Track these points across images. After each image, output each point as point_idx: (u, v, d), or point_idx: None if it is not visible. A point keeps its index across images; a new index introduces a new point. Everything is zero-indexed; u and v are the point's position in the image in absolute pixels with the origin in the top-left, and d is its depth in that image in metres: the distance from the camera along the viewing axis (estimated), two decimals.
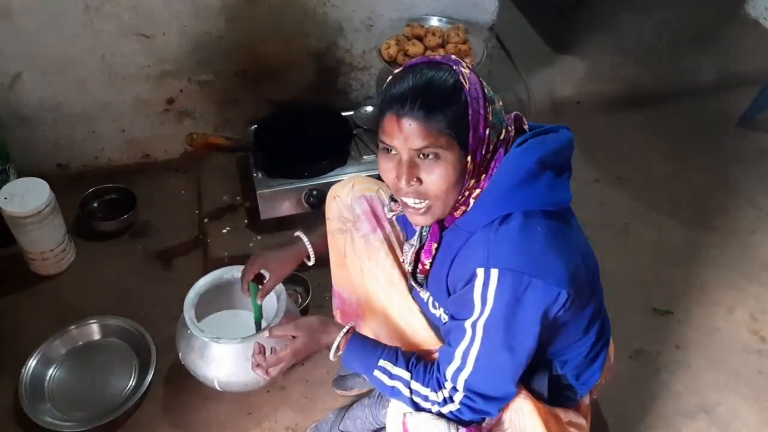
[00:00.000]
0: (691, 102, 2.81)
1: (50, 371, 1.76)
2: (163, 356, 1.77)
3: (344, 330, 1.24)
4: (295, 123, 2.11)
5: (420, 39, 2.01)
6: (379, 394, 1.60)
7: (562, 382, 1.26)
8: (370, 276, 1.38)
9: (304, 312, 1.89)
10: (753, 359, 1.89)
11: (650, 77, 2.87)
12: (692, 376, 1.84)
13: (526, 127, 1.15)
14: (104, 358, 1.80)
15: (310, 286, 1.95)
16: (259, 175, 1.97)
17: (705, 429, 1.73)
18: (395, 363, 1.18)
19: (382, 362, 1.18)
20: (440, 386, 1.13)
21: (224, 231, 2.04)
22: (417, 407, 1.16)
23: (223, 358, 1.58)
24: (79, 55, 1.99)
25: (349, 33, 2.17)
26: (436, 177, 1.04)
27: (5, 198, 1.83)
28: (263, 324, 1.60)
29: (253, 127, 2.15)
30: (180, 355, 1.64)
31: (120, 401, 1.69)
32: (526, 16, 3.12)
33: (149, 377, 1.72)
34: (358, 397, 1.70)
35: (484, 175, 1.08)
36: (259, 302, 1.51)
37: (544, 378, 1.21)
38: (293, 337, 1.28)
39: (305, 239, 1.45)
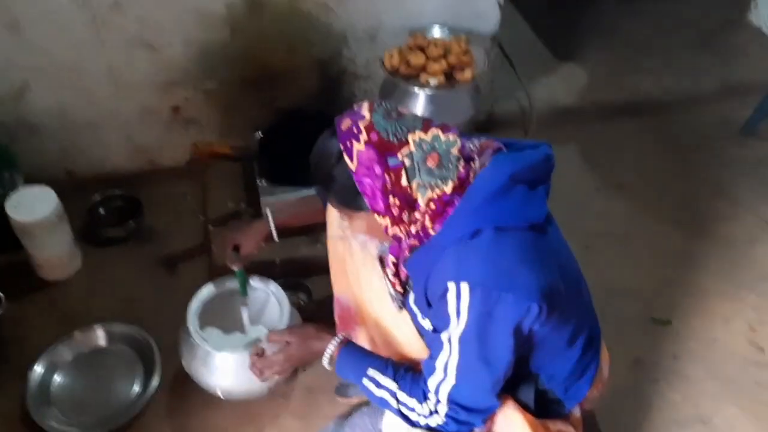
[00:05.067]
0: (693, 110, 2.82)
1: (56, 376, 1.79)
2: (168, 362, 1.79)
3: (338, 339, 1.29)
4: (299, 131, 2.12)
5: (422, 49, 2.03)
6: None
7: (549, 396, 1.27)
8: (366, 284, 1.41)
9: (306, 320, 1.91)
10: (750, 370, 1.90)
11: (652, 85, 2.88)
12: (690, 387, 1.86)
13: (501, 147, 1.16)
14: (109, 364, 1.83)
15: (312, 292, 1.97)
16: (264, 182, 2.00)
17: None
18: (384, 373, 1.21)
19: (371, 371, 1.22)
20: (425, 398, 1.16)
21: None
22: (406, 419, 1.19)
23: (226, 367, 1.61)
24: (86, 64, 2.02)
25: (353, 42, 2.19)
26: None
27: (13, 205, 1.86)
28: (245, 315, 1.67)
29: (257, 135, 2.18)
30: (183, 362, 1.66)
31: (124, 407, 1.72)
32: (529, 24, 3.13)
33: (154, 383, 1.75)
34: (359, 406, 1.72)
35: (457, 194, 1.09)
36: (239, 269, 1.59)
37: (530, 390, 1.23)
38: (288, 342, 1.34)
39: (269, 217, 1.54)
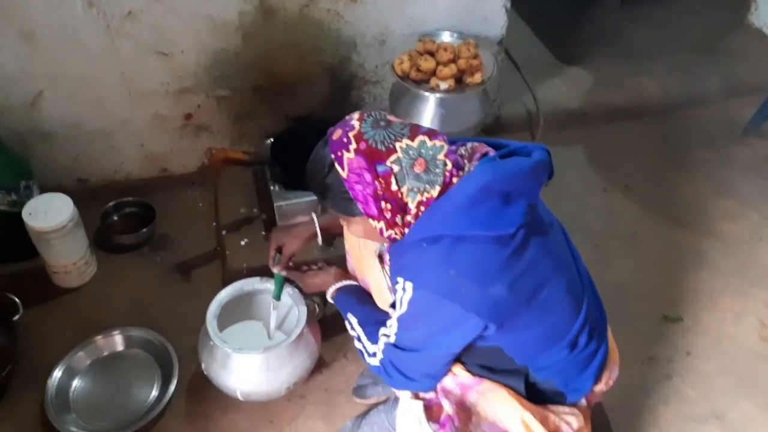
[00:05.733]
0: (696, 111, 2.86)
1: (75, 382, 1.80)
2: (185, 366, 1.81)
3: (338, 284, 1.52)
4: (310, 136, 2.14)
5: (432, 54, 2.05)
6: (394, 398, 1.65)
7: (547, 387, 1.30)
8: (369, 274, 1.48)
9: (322, 321, 1.93)
10: (763, 365, 1.92)
11: (655, 87, 2.91)
12: (704, 382, 1.87)
13: (488, 152, 1.19)
14: (127, 369, 1.84)
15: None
16: (276, 188, 2.02)
17: None
18: (358, 321, 1.40)
19: (349, 315, 1.42)
20: (375, 342, 1.32)
21: (242, 243, 2.08)
22: (363, 356, 1.36)
23: (245, 369, 1.63)
24: (100, 73, 2.04)
25: (362, 48, 2.22)
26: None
27: (29, 213, 1.87)
28: (273, 317, 1.72)
29: (268, 141, 2.20)
30: (203, 365, 1.68)
31: (143, 411, 1.73)
32: (533, 30, 3.17)
33: (172, 387, 1.75)
34: (375, 405, 1.74)
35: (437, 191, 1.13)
36: (279, 272, 1.63)
37: (519, 380, 1.28)
38: (318, 268, 1.59)
39: (315, 220, 1.60)
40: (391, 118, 1.17)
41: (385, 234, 1.18)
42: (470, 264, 1.12)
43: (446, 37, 2.16)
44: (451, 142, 1.18)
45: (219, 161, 1.91)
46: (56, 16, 1.89)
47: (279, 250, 1.62)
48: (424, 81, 2.05)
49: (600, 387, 1.35)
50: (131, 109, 2.15)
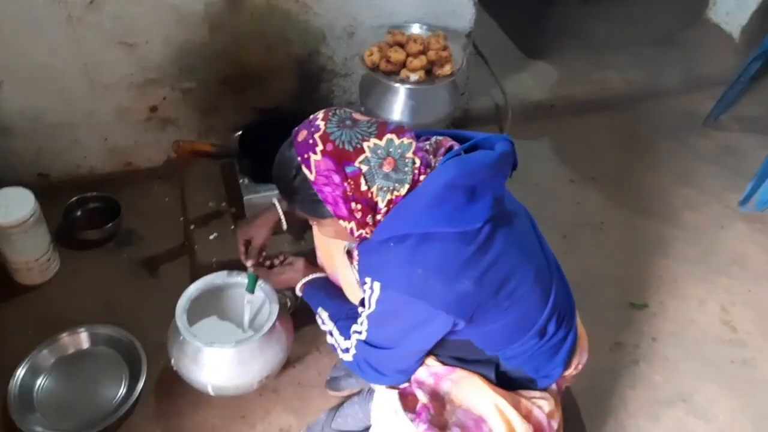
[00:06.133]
0: (658, 103, 2.93)
1: (39, 381, 1.75)
2: (153, 363, 1.78)
3: (306, 278, 1.50)
4: (279, 129, 2.11)
5: (402, 46, 2.05)
6: (368, 390, 1.66)
7: (520, 375, 1.32)
8: (340, 269, 1.48)
9: (294, 315, 1.91)
10: (725, 349, 1.98)
11: (619, 80, 2.97)
12: (669, 367, 1.92)
13: (452, 146, 1.20)
14: (94, 367, 1.80)
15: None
16: (246, 181, 2.00)
17: (683, 417, 1.81)
18: (330, 316, 1.38)
19: (320, 310, 1.42)
20: (348, 338, 1.31)
21: (211, 237, 2.05)
22: (336, 351, 1.35)
23: (216, 363, 1.60)
24: (61, 64, 1.98)
25: (331, 40, 2.20)
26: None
27: None
28: (247, 311, 1.69)
29: (237, 134, 2.17)
30: (172, 361, 1.65)
31: (111, 410, 1.70)
32: (499, 24, 3.20)
33: (140, 385, 1.72)
34: (349, 397, 1.74)
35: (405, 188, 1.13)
36: (250, 267, 1.59)
37: (490, 369, 1.29)
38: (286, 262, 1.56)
39: (278, 205, 1.56)
40: (357, 116, 1.16)
41: (356, 234, 1.17)
42: (436, 262, 1.12)
43: (415, 30, 2.16)
44: (416, 137, 1.18)
45: (186, 154, 1.87)
46: (15, 3, 1.82)
47: (248, 243, 1.59)
48: (393, 73, 2.04)
49: (570, 372, 1.37)
50: (94, 101, 2.09)
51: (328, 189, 1.11)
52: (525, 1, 3.41)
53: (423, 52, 2.02)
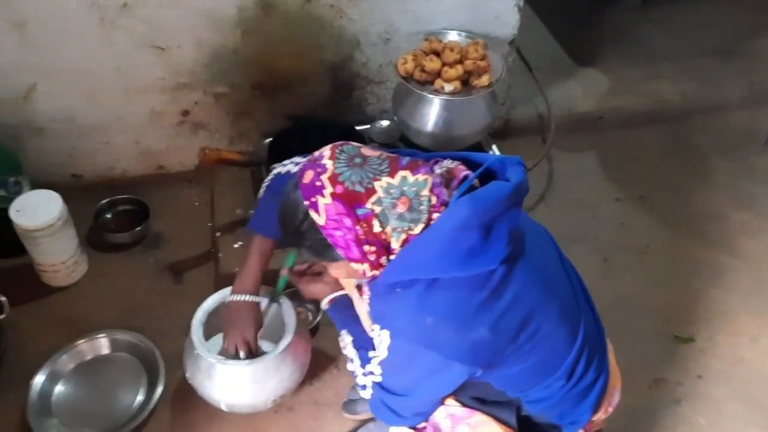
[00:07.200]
0: (716, 118, 2.75)
1: (57, 386, 1.75)
2: (171, 372, 1.76)
3: (334, 294, 1.41)
4: (309, 137, 2.08)
5: (437, 54, 1.96)
6: None
7: (543, 420, 1.24)
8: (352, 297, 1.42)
9: (314, 330, 1.86)
10: None
11: (674, 92, 2.80)
12: (714, 409, 1.78)
13: (467, 175, 1.10)
14: (112, 373, 1.79)
15: (319, 303, 1.92)
16: None
17: None
18: (353, 342, 1.32)
19: (344, 332, 1.35)
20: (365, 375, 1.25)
21: (236, 246, 2.01)
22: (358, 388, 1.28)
23: (230, 380, 1.56)
24: (94, 66, 1.98)
25: (366, 47, 2.14)
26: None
27: (17, 210, 1.82)
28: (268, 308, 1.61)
29: (267, 141, 2.14)
30: (187, 374, 1.62)
31: (127, 418, 1.68)
32: (549, 29, 3.06)
33: (157, 394, 1.71)
34: (365, 422, 1.68)
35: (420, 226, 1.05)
36: (283, 272, 1.52)
37: (511, 413, 1.22)
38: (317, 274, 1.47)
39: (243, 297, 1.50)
40: (366, 151, 1.07)
41: (369, 274, 1.09)
42: (447, 309, 1.04)
43: (454, 37, 2.07)
44: (426, 159, 1.10)
45: (212, 162, 1.84)
46: (48, 6, 1.83)
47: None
48: (428, 82, 1.96)
49: (599, 416, 1.27)
50: (126, 104, 2.09)
51: (339, 233, 1.04)
52: (577, 5, 3.28)
53: (460, 62, 1.93)
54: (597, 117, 2.68)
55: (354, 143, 1.09)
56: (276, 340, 1.62)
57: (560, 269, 1.21)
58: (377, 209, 1.02)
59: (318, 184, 1.03)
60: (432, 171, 1.08)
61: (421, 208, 1.03)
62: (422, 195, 1.04)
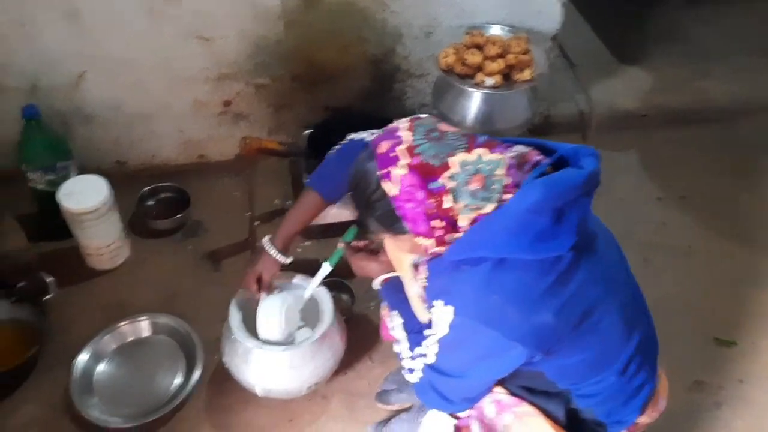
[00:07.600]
0: (765, 120, 2.67)
1: (99, 366, 1.79)
2: (209, 357, 1.78)
3: (388, 275, 1.39)
4: (348, 129, 2.09)
5: (479, 48, 1.96)
6: (418, 408, 1.59)
7: (587, 417, 1.21)
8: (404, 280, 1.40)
9: (348, 321, 1.87)
10: None
11: (721, 91, 2.73)
12: (756, 414, 1.74)
13: (540, 160, 1.09)
14: (152, 355, 1.83)
15: (355, 293, 1.93)
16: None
17: None
18: (403, 324, 1.31)
19: (395, 313, 1.34)
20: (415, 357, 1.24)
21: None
22: (405, 372, 1.27)
23: (266, 365, 1.58)
24: (141, 56, 2.03)
25: (408, 40, 2.14)
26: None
27: (65, 194, 1.87)
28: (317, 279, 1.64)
29: (306, 132, 2.16)
30: (224, 359, 1.65)
31: (165, 399, 1.71)
32: (592, 26, 3.02)
33: (195, 377, 1.73)
34: (398, 412, 1.68)
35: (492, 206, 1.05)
36: (339, 245, 1.53)
37: (559, 406, 1.20)
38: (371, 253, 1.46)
39: (268, 245, 1.58)
40: (443, 126, 1.07)
41: (432, 251, 1.09)
42: (513, 289, 1.03)
43: (496, 31, 2.06)
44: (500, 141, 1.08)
45: (253, 151, 1.87)
46: None
47: (259, 280, 1.61)
48: (469, 76, 1.95)
49: (644, 419, 1.25)
50: (171, 93, 2.13)
51: (409, 205, 1.04)
52: (621, 3, 3.22)
53: (501, 56, 1.92)
54: (640, 115, 2.63)
55: (430, 116, 1.09)
56: (313, 327, 1.64)
57: (623, 272, 1.19)
58: (450, 185, 1.02)
59: (393, 155, 1.03)
60: (505, 145, 1.07)
61: (494, 187, 1.03)
62: (496, 174, 1.03)
